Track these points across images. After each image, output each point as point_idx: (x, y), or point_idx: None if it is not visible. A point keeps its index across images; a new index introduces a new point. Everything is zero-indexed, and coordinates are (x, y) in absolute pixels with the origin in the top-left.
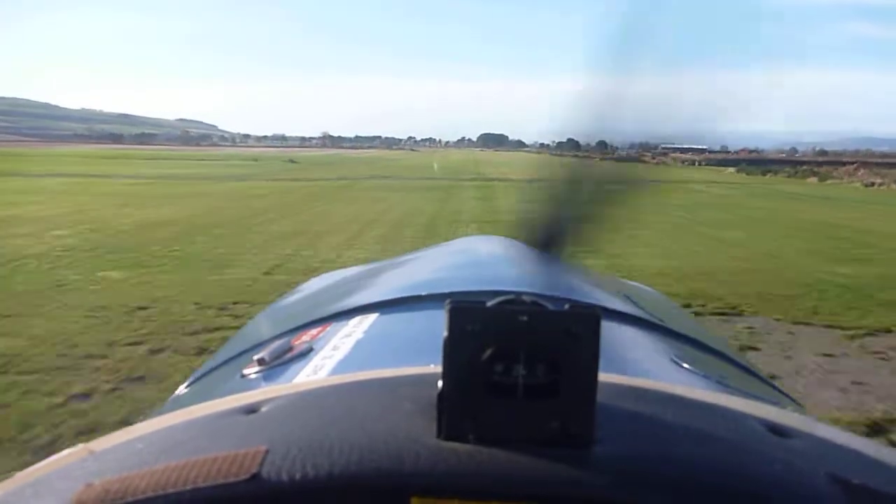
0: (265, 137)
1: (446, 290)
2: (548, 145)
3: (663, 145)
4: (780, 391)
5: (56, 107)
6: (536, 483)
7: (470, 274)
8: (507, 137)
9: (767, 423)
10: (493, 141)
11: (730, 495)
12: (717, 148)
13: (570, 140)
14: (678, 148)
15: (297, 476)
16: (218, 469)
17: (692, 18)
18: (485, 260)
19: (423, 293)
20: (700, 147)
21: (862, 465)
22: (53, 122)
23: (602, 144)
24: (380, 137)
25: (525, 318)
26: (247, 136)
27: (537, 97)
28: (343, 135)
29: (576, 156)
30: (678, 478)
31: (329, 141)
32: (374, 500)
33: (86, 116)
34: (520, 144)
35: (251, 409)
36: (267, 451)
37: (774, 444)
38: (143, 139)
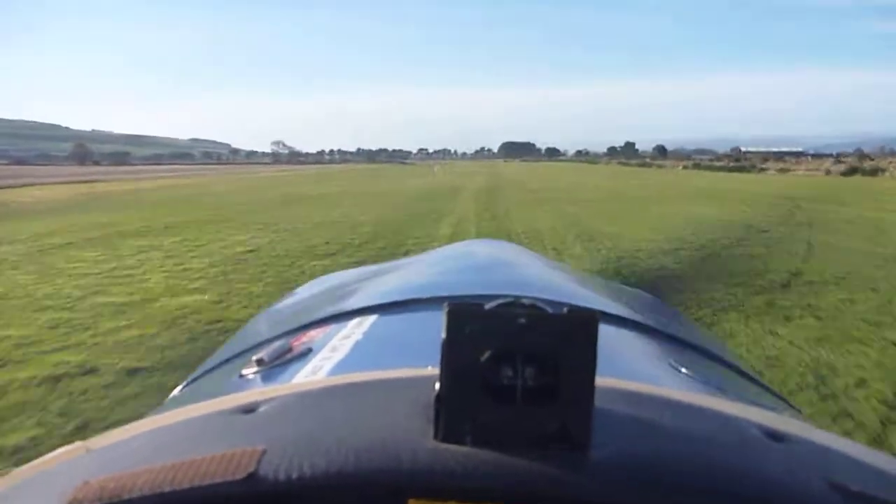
0: (253, 153)
1: (445, 293)
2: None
3: (751, 149)
4: (778, 396)
5: (66, 128)
6: (533, 486)
7: (469, 277)
8: (533, 146)
9: (765, 428)
10: (518, 150)
11: (727, 500)
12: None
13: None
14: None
15: (294, 476)
16: (215, 468)
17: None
18: (484, 263)
19: (422, 296)
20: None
21: (860, 470)
22: (54, 144)
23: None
24: (386, 150)
25: (523, 320)
26: (235, 152)
27: (571, 103)
28: (344, 148)
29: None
30: (675, 482)
31: (285, 157)
32: (372, 501)
33: (94, 137)
34: (553, 153)
35: (249, 409)
36: (264, 451)
37: (772, 448)
38: (118, 158)
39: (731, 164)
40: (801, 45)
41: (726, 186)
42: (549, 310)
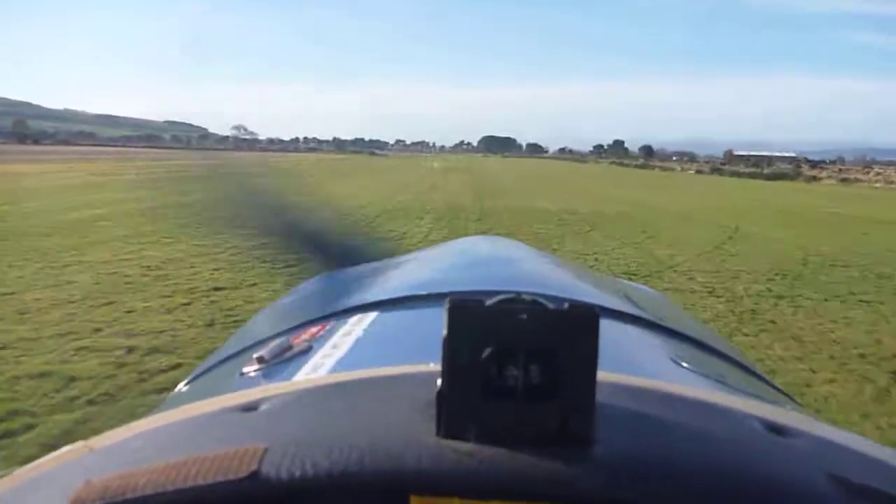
0: (225, 139)
1: (446, 290)
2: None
3: (742, 153)
4: (779, 390)
5: (38, 106)
6: (536, 482)
7: (470, 273)
8: (514, 141)
9: (767, 422)
10: (498, 145)
11: (729, 494)
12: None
13: (617, 143)
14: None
15: (296, 474)
16: (217, 467)
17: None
18: (485, 259)
19: (424, 292)
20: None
21: (862, 464)
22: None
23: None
24: (362, 140)
25: (524, 316)
26: (205, 137)
27: (553, 101)
28: (320, 137)
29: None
30: (677, 477)
31: (246, 143)
32: (374, 498)
33: (65, 116)
34: (535, 149)
35: (250, 408)
36: (266, 450)
37: (774, 443)
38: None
39: (765, 170)
40: (779, 54)
41: None
42: (550, 305)
